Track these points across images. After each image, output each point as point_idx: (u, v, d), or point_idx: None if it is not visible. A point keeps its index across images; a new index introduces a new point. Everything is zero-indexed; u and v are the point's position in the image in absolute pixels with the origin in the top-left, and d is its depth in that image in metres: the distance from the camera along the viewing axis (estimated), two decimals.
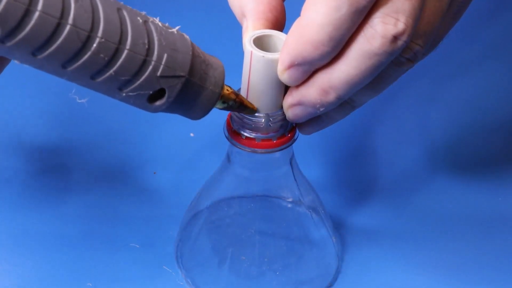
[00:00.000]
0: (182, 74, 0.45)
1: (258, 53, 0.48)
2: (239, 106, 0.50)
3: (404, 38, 0.45)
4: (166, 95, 0.45)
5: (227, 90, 0.49)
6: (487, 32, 0.83)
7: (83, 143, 0.71)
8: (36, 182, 0.67)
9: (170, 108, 0.47)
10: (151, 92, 0.45)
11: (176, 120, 0.73)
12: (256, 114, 0.51)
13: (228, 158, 0.57)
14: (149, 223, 0.64)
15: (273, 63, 0.49)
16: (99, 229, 0.64)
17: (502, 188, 0.69)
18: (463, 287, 0.61)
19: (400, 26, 0.45)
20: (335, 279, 0.61)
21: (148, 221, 0.65)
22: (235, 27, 0.54)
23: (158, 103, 0.46)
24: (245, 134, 0.53)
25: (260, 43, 0.50)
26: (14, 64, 0.43)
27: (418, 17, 0.46)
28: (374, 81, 0.48)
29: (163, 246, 0.62)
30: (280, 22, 0.51)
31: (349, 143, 0.73)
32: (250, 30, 0.50)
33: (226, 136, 0.54)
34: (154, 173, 0.69)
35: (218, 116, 0.55)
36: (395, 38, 0.45)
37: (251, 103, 0.51)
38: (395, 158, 0.72)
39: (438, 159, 0.72)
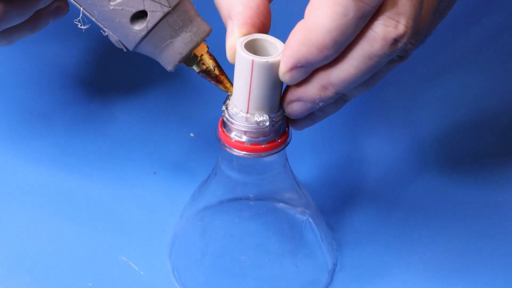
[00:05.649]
0: (166, 4, 0.48)
1: (261, 59, 0.49)
2: (215, 76, 0.52)
3: (404, 40, 0.46)
4: (147, 19, 0.48)
5: (210, 56, 0.51)
6: (475, 29, 0.83)
7: (82, 144, 0.72)
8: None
9: (148, 40, 0.49)
10: (134, 11, 0.48)
11: (176, 120, 0.74)
12: (260, 120, 0.52)
13: (223, 161, 0.56)
14: (149, 223, 0.64)
15: (274, 66, 0.49)
16: (98, 230, 0.64)
17: (498, 184, 0.70)
18: (460, 285, 0.61)
19: (401, 28, 0.46)
20: (331, 280, 0.61)
21: (148, 220, 0.65)
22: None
23: (138, 27, 0.49)
24: (249, 140, 0.53)
25: (249, 47, 0.50)
26: None
27: (417, 17, 0.47)
28: (368, 78, 0.49)
29: (162, 245, 0.62)
30: (266, 27, 0.51)
31: (339, 144, 0.73)
32: (237, 34, 0.50)
33: (221, 144, 0.53)
34: (154, 173, 0.69)
35: (218, 116, 0.55)
36: (396, 40, 0.46)
37: (230, 83, 0.52)
38: (385, 157, 0.72)
39: (428, 156, 0.72)
